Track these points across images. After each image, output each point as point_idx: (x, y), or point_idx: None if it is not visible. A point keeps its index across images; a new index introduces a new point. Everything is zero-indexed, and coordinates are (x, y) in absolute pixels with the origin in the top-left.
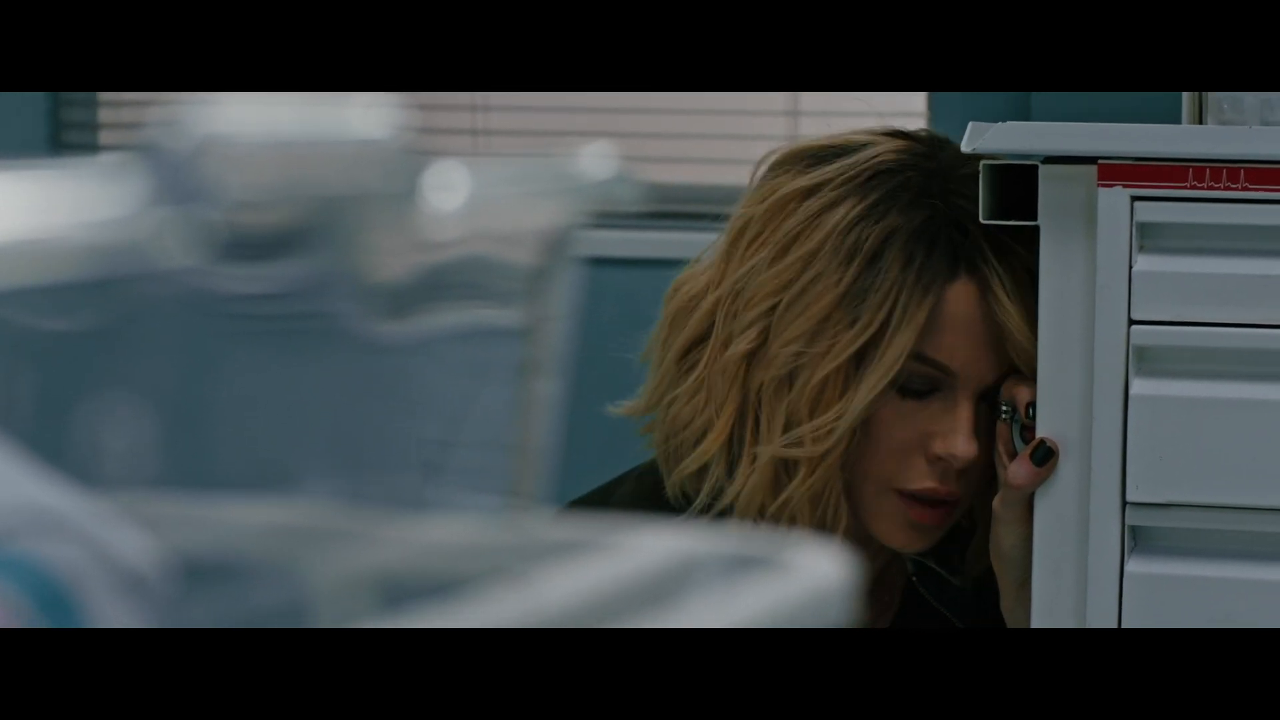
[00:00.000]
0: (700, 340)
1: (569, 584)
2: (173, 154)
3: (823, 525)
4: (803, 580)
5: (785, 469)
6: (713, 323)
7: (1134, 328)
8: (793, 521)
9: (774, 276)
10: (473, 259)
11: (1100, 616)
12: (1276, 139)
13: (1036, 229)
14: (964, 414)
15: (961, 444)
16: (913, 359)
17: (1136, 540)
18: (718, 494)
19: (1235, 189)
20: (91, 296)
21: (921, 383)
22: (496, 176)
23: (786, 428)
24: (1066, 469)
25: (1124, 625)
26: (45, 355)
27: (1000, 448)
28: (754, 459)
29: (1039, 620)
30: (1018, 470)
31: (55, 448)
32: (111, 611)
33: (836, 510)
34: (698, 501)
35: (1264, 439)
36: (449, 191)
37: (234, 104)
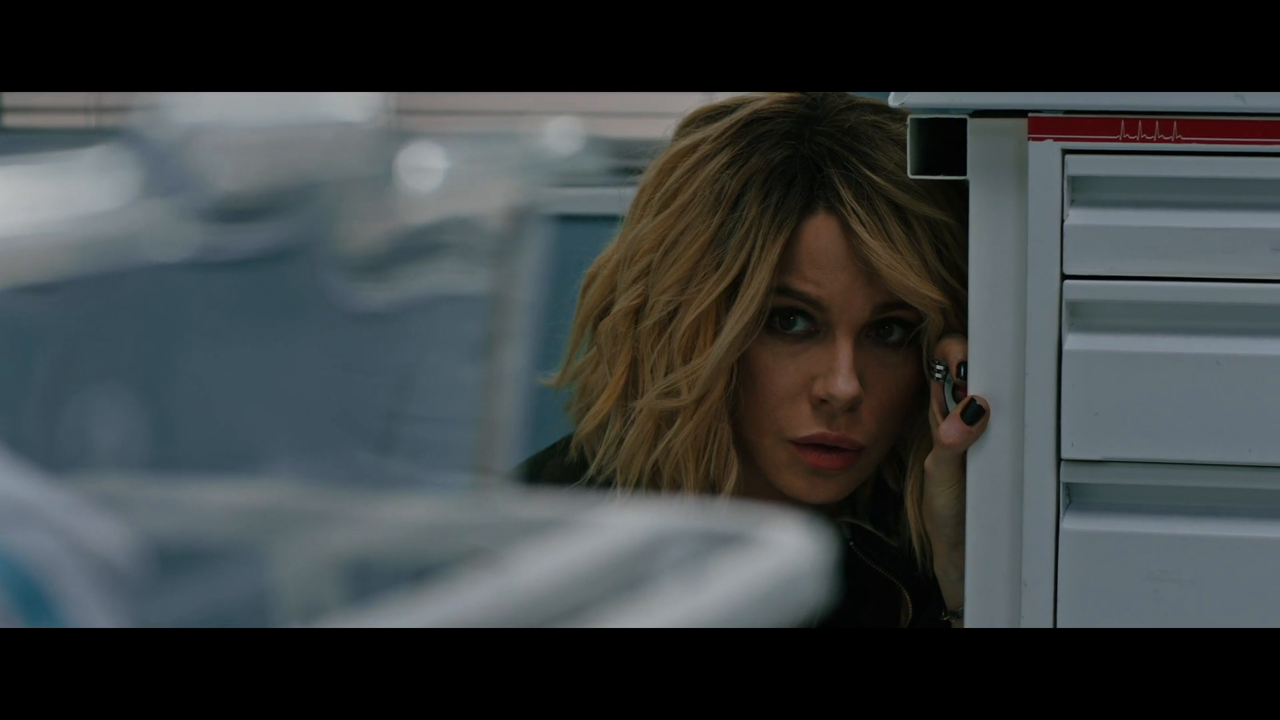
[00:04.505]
0: (604, 307)
1: (541, 564)
2: (159, 145)
3: (708, 478)
4: (775, 557)
5: (666, 421)
6: (614, 288)
7: (1067, 283)
8: (677, 474)
9: (651, 231)
10: (443, 227)
11: (1036, 574)
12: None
13: (965, 182)
14: (843, 352)
15: (840, 383)
16: (778, 293)
17: (1071, 497)
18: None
19: (1168, 141)
20: (80, 289)
21: (800, 325)
22: (466, 154)
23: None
24: (1000, 427)
25: (1060, 582)
26: (24, 348)
27: (934, 407)
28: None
29: (973, 580)
30: (949, 429)
31: (36, 440)
32: (86, 601)
33: (725, 463)
34: (596, 460)
35: (1198, 393)
36: (423, 174)
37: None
